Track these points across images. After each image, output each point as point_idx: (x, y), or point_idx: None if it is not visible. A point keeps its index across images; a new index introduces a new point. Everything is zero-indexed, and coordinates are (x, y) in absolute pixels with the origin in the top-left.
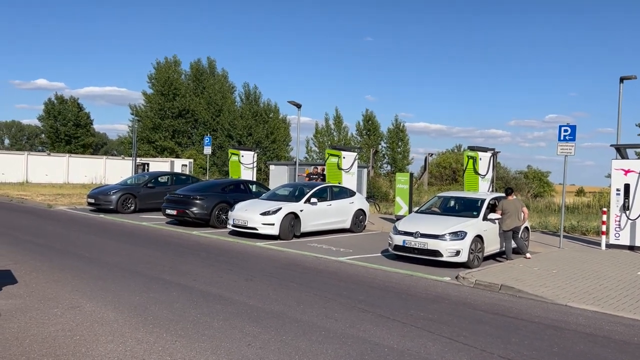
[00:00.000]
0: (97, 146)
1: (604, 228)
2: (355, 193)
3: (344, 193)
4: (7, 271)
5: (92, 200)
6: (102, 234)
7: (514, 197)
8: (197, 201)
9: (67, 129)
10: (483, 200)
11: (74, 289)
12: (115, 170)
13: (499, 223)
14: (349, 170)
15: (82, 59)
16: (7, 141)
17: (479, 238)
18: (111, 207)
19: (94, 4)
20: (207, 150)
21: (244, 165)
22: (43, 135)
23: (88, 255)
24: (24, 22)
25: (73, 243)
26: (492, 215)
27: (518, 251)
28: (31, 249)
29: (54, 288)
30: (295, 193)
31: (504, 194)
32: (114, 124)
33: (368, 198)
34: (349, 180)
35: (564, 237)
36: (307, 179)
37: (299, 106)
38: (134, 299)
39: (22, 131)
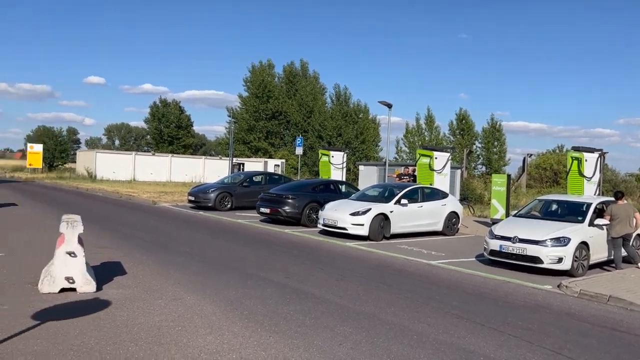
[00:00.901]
0: (197, 147)
1: None
2: (447, 195)
3: (436, 195)
4: (118, 263)
5: (192, 198)
6: (201, 230)
7: (625, 201)
8: (289, 200)
9: (169, 131)
10: (589, 205)
11: (176, 282)
12: (213, 170)
13: (607, 229)
14: (441, 171)
15: (183, 65)
16: (117, 142)
17: (584, 245)
18: (209, 205)
19: (198, 15)
20: (299, 150)
21: (334, 165)
22: (148, 137)
23: (188, 250)
24: (134, 30)
25: (175, 239)
26: (599, 221)
27: (629, 260)
28: (138, 243)
29: (158, 280)
30: (385, 194)
31: (613, 198)
32: (212, 125)
33: (461, 200)
34: (441, 182)
35: None
36: (397, 179)
37: (389, 106)
38: (230, 294)
39: (130, 133)
